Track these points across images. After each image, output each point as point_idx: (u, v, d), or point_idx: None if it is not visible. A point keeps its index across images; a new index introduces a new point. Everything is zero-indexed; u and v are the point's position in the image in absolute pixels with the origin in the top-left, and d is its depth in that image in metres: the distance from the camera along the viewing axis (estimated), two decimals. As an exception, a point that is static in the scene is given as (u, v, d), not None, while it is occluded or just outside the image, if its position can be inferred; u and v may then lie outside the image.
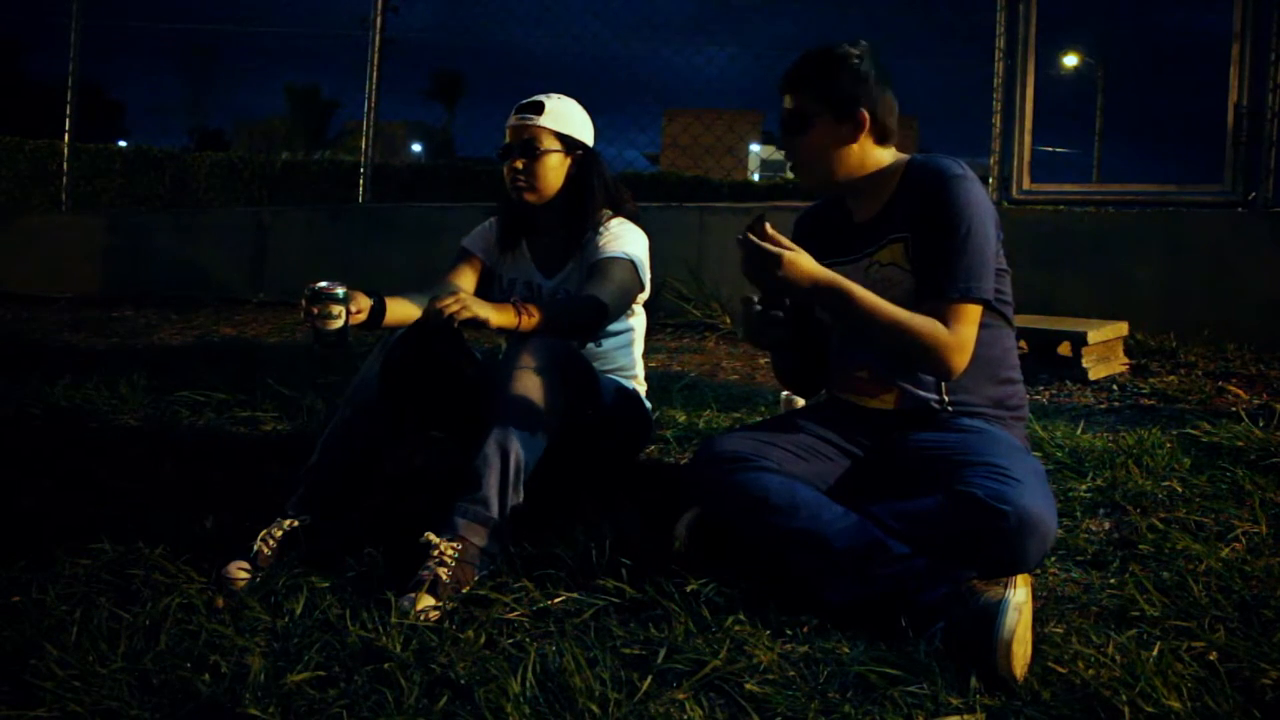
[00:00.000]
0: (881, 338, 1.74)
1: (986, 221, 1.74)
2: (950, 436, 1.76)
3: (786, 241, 1.72)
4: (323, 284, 1.85)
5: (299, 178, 14.38)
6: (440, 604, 1.64)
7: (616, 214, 2.27)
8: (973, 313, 1.72)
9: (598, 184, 2.25)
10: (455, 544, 1.73)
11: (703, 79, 6.06)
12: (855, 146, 1.82)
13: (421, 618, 1.59)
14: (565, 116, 2.24)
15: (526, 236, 2.33)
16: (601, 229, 2.23)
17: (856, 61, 1.80)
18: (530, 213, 2.28)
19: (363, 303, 1.94)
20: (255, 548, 1.82)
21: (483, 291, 2.31)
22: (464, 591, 1.69)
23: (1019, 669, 1.37)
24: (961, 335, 1.71)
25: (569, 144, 2.23)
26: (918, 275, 1.76)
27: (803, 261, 1.70)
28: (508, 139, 2.23)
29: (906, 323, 1.70)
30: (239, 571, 1.76)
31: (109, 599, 1.66)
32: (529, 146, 2.20)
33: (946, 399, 1.81)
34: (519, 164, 2.20)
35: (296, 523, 1.87)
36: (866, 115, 1.80)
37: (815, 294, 1.71)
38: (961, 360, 1.72)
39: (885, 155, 1.85)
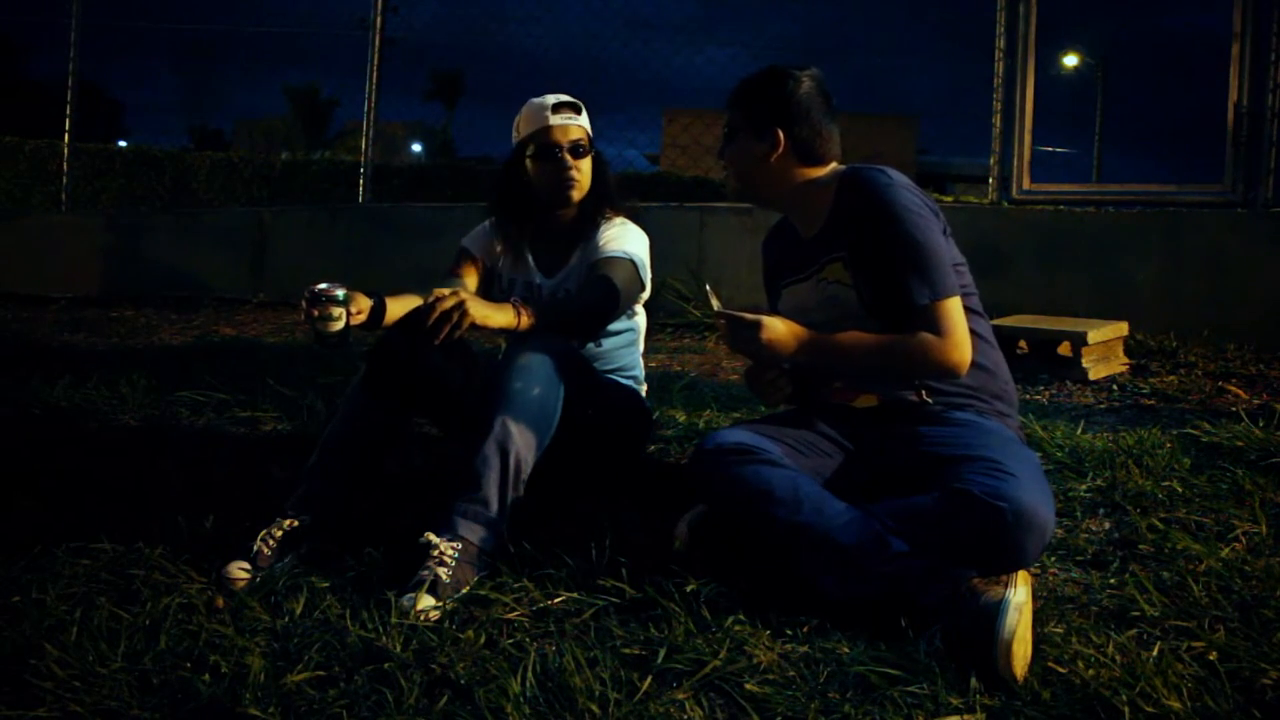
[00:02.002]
0: (879, 368, 1.79)
1: (929, 220, 1.78)
2: (943, 431, 1.76)
3: (751, 315, 1.80)
4: (323, 285, 1.85)
5: (299, 178, 14.36)
6: (440, 604, 1.64)
7: (616, 213, 2.28)
8: (951, 307, 1.75)
9: (608, 182, 2.28)
10: (455, 544, 1.73)
11: (703, 79, 6.07)
12: (772, 164, 1.88)
13: (421, 618, 1.59)
14: (587, 117, 2.28)
15: (529, 238, 2.34)
16: (603, 227, 2.23)
17: (791, 85, 1.87)
18: (530, 214, 2.28)
19: (363, 303, 1.94)
20: (255, 547, 1.82)
21: (483, 291, 2.32)
22: (464, 591, 1.69)
23: (1019, 669, 1.37)
24: (952, 333, 1.74)
25: (593, 143, 2.28)
26: (876, 292, 1.79)
27: (779, 324, 1.77)
28: (554, 138, 2.22)
29: (895, 347, 1.75)
30: (239, 571, 1.76)
31: (109, 599, 1.66)
32: (580, 148, 2.23)
33: (924, 393, 1.82)
34: (580, 164, 2.23)
35: (296, 522, 1.87)
36: (782, 136, 1.86)
37: (801, 351, 1.78)
38: (961, 354, 1.75)
39: (814, 173, 1.89)
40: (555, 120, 2.22)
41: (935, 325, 1.74)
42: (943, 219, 1.82)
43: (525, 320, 1.95)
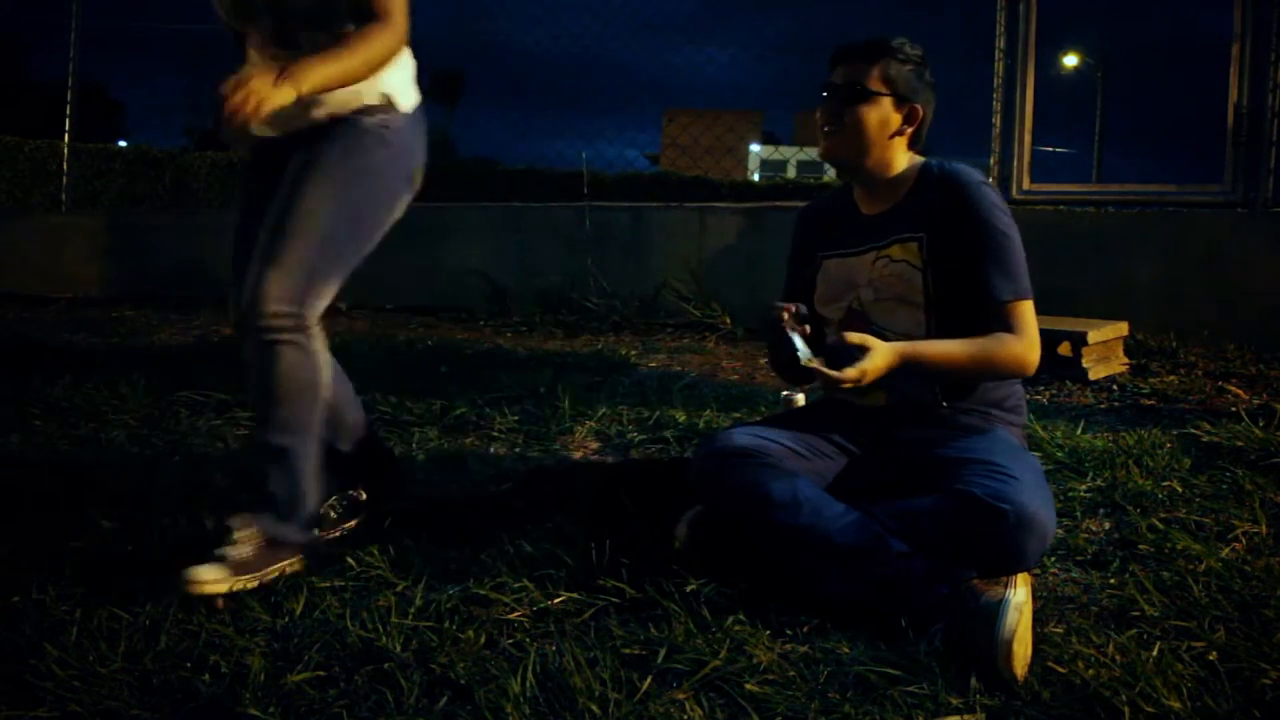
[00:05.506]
0: (965, 372, 1.78)
1: (1014, 224, 1.81)
2: (948, 435, 1.76)
3: (857, 338, 1.68)
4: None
5: (299, 178, 14.29)
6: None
7: None
8: (1029, 308, 1.78)
9: None
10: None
11: (703, 79, 6.08)
12: (897, 138, 1.86)
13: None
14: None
15: None
16: None
17: (923, 63, 1.87)
18: None
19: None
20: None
21: None
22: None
23: (1019, 669, 1.37)
24: (1028, 333, 1.76)
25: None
26: (953, 282, 1.79)
27: (879, 361, 1.67)
28: None
29: (980, 351, 1.75)
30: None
31: (109, 599, 1.66)
32: None
33: (943, 400, 1.82)
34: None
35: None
36: (921, 112, 1.86)
37: (896, 374, 1.71)
38: (1034, 355, 1.77)
39: (908, 156, 1.90)
40: None
41: (1014, 324, 1.76)
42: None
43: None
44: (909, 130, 1.86)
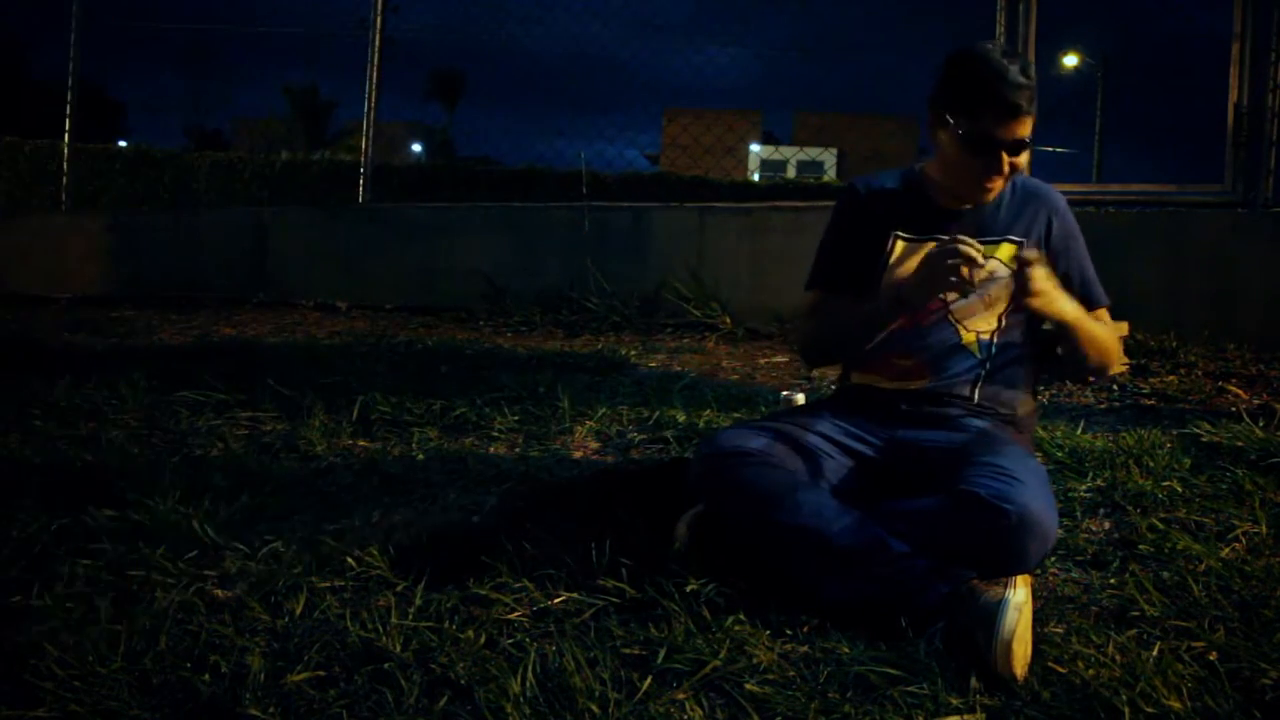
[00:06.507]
0: (1099, 348, 1.89)
1: None
2: (954, 436, 1.77)
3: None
4: None
5: (299, 178, 14.32)
6: None
7: None
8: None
9: None
10: None
11: (703, 79, 6.08)
12: None
13: None
14: None
15: None
16: None
17: None
18: None
19: None
20: None
21: None
22: None
23: (1019, 669, 1.37)
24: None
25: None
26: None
27: (1061, 296, 1.78)
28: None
29: (1109, 340, 1.90)
30: None
31: (109, 599, 1.66)
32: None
33: (977, 399, 1.85)
34: None
35: None
36: None
37: (1065, 324, 1.80)
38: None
39: None
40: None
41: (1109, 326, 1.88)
42: None
43: None
44: None
